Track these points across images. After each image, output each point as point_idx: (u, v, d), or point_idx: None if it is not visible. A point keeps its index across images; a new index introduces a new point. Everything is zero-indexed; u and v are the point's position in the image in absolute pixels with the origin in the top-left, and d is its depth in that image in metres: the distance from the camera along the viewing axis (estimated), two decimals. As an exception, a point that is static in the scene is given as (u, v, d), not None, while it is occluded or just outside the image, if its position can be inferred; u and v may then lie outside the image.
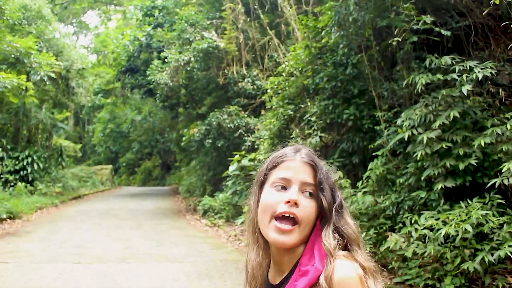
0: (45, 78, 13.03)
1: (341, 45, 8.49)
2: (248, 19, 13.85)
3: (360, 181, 8.02)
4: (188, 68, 13.04)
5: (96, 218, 12.82)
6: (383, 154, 8.20)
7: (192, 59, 12.93)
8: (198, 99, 16.64)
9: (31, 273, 6.79)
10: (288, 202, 1.28)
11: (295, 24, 13.66)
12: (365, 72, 9.31)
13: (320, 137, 9.27)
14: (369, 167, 8.15)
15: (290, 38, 14.12)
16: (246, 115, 12.64)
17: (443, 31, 7.46)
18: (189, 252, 8.40)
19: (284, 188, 1.32)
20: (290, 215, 1.28)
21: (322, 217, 1.33)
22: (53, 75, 13.55)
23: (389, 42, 7.36)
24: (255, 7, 13.62)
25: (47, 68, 12.91)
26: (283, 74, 11.42)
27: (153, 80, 13.72)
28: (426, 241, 6.35)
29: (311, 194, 1.32)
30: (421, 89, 7.20)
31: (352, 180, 8.66)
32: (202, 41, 12.88)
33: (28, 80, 11.42)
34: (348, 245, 1.31)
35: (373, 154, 8.13)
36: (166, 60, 13.62)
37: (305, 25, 10.60)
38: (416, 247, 6.28)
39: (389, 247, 6.71)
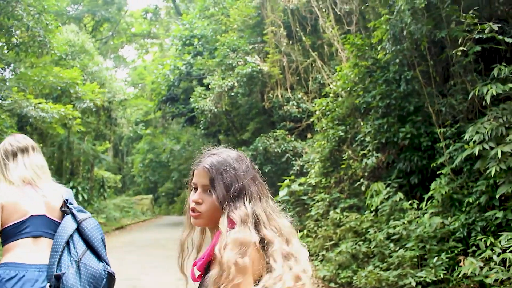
0: (91, 105, 13.16)
1: (397, 60, 8.09)
2: (290, 42, 13.68)
3: (424, 202, 7.53)
4: (232, 94, 12.89)
5: (142, 248, 12.58)
6: (446, 173, 7.72)
7: (236, 84, 12.79)
8: (239, 125, 16.47)
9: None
10: (193, 200, 1.78)
11: (338, 44, 13.41)
12: (419, 88, 8.92)
13: (376, 157, 8.84)
14: (432, 187, 7.65)
15: (333, 59, 13.85)
16: (292, 139, 12.32)
17: (507, 39, 7.03)
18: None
19: (196, 189, 1.79)
20: (194, 210, 1.77)
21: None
22: (99, 101, 13.68)
23: (453, 52, 6.95)
24: (297, 29, 13.44)
25: (92, 96, 13.06)
26: (331, 95, 11.11)
27: (196, 107, 13.64)
28: (507, 265, 5.81)
29: (210, 192, 1.74)
30: (488, 101, 6.75)
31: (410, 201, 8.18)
32: (245, 66, 12.75)
33: (73, 109, 11.56)
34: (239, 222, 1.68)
35: (437, 173, 7.65)
36: (209, 86, 13.54)
37: (352, 43, 10.32)
38: (498, 273, 5.74)
39: (464, 273, 6.19)
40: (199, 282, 1.76)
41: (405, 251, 6.70)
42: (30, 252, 2.62)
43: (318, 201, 9.56)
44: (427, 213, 7.07)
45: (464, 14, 7.35)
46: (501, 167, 6.26)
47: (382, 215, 7.99)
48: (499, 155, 6.18)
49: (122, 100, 16.15)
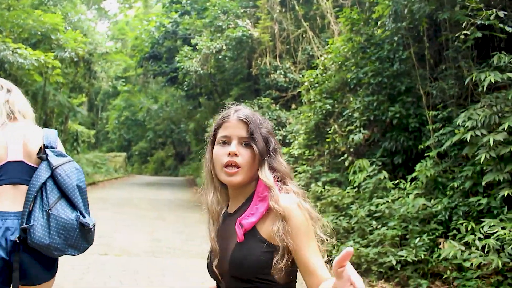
0: (73, 55, 12.59)
1: (395, 38, 7.95)
2: (283, 10, 13.35)
3: (408, 183, 7.55)
4: (220, 57, 12.55)
5: (115, 206, 12.38)
6: (433, 156, 7.73)
7: (224, 47, 12.45)
8: (221, 89, 16.16)
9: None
10: (229, 154, 1.66)
11: (331, 17, 13.18)
12: (412, 69, 8.85)
13: (363, 133, 8.79)
14: (416, 168, 7.68)
15: (324, 31, 13.62)
16: (277, 108, 12.14)
17: (507, 28, 6.95)
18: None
19: (227, 143, 1.69)
20: (232, 163, 1.65)
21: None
22: (81, 51, 13.11)
23: (455, 35, 6.84)
24: (292, -4, 13.13)
25: (74, 45, 12.48)
26: (320, 67, 10.94)
27: (181, 67, 13.25)
28: (486, 250, 5.89)
29: (246, 144, 1.68)
30: (484, 88, 6.70)
31: (393, 181, 8.21)
32: (235, 30, 12.39)
33: (54, 58, 10.97)
34: (283, 178, 1.72)
35: (425, 155, 7.65)
36: (197, 47, 13.15)
37: (347, 17, 10.12)
38: (478, 258, 5.80)
39: (444, 255, 6.27)
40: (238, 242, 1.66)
41: (387, 230, 6.72)
42: (9, 199, 2.45)
43: (300, 173, 9.51)
44: (411, 193, 7.07)
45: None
46: (491, 154, 6.28)
47: (365, 192, 8.00)
48: (491, 142, 6.18)
49: (104, 53, 15.56)
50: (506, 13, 6.67)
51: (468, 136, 6.52)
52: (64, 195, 2.45)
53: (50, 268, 2.52)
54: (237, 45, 12.49)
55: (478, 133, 6.53)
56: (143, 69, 20.44)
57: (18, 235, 2.36)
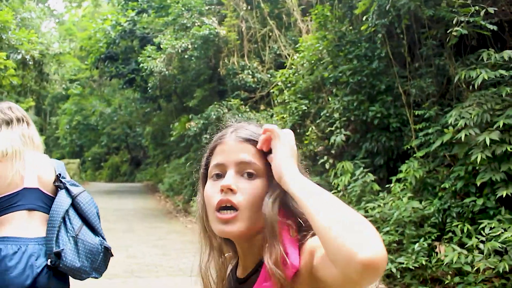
0: (27, 57, 11.57)
1: (379, 35, 7.69)
2: (249, 7, 12.92)
3: (395, 185, 7.29)
4: (186, 56, 11.94)
5: (76, 218, 11.51)
6: (418, 156, 7.53)
7: (190, 46, 11.86)
8: (181, 91, 15.51)
9: None
10: (222, 190, 1.14)
11: (298, 15, 12.88)
12: (391, 67, 8.66)
13: (345, 134, 8.49)
14: (403, 169, 7.45)
15: (290, 30, 13.30)
16: (247, 110, 11.70)
17: (489, 25, 6.82)
18: (202, 263, 7.42)
19: (221, 175, 1.18)
20: (227, 204, 1.13)
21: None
22: (37, 54, 12.10)
23: (447, 32, 6.63)
24: (257, -6, 12.72)
25: (29, 46, 11.47)
26: (293, 66, 10.59)
27: (145, 67, 12.54)
28: (487, 253, 5.69)
29: (251, 175, 1.16)
30: (476, 86, 6.54)
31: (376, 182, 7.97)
32: (202, 28, 11.84)
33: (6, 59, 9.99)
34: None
35: (414, 155, 7.43)
36: (161, 46, 12.48)
37: (321, 14, 9.82)
38: (482, 261, 5.59)
39: (442, 259, 6.04)
40: None
41: (383, 235, 6.40)
42: (27, 225, 2.56)
43: (278, 177, 9.10)
44: (403, 196, 6.80)
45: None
46: (487, 154, 6.11)
47: (352, 196, 7.68)
48: (488, 142, 6.01)
49: (56, 54, 14.53)
50: (496, 9, 6.53)
51: (462, 136, 6.33)
52: (85, 221, 2.63)
53: None
54: (203, 44, 11.94)
55: (471, 132, 6.36)
56: (99, 71, 19.45)
57: (50, 260, 2.46)
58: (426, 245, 6.16)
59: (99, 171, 32.05)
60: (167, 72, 12.31)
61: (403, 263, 6.05)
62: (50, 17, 35.26)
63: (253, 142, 1.19)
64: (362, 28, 7.71)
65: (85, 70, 24.74)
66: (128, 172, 29.62)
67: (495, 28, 6.84)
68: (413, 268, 5.95)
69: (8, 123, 2.75)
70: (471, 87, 7.06)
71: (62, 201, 2.59)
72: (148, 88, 13.57)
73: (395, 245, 6.39)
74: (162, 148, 20.51)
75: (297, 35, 13.07)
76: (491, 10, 6.39)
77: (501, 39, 7.77)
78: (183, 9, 12.48)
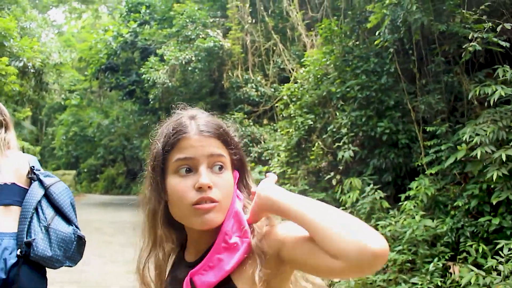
0: (30, 65, 11.37)
1: (391, 50, 7.59)
2: (254, 21, 12.84)
3: (407, 203, 7.10)
4: (190, 68, 11.79)
5: (74, 231, 11.21)
6: (429, 173, 7.38)
7: (194, 58, 11.72)
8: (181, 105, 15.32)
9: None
10: (200, 187, 1.16)
11: (302, 29, 12.82)
12: (400, 83, 8.55)
13: (354, 150, 8.32)
14: (413, 186, 7.28)
15: (295, 44, 13.22)
16: (251, 124, 11.54)
17: (501, 42, 6.74)
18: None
19: (190, 170, 1.19)
20: (207, 201, 1.16)
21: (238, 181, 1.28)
22: (38, 62, 11.91)
23: (464, 47, 6.52)
24: (262, 8, 12.64)
25: (31, 54, 11.28)
26: (299, 81, 10.46)
27: (147, 79, 12.37)
28: (503, 274, 5.51)
29: (221, 168, 1.21)
30: (492, 103, 6.42)
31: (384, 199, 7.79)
32: (206, 40, 11.71)
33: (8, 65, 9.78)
34: None
35: (425, 172, 7.26)
36: (165, 58, 12.34)
37: (327, 28, 9.74)
38: (501, 283, 5.41)
39: (457, 280, 5.85)
40: None
41: (396, 254, 6.20)
42: (3, 220, 2.57)
43: (284, 193, 8.90)
44: (416, 214, 6.62)
45: (463, 11, 6.99)
46: (503, 172, 5.97)
47: (361, 213, 7.49)
48: (504, 158, 5.87)
49: (57, 63, 14.35)
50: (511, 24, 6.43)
51: (478, 153, 6.19)
52: (58, 211, 2.64)
53: (44, 280, 2.63)
54: (207, 56, 11.81)
55: (487, 149, 6.23)
56: (99, 82, 19.27)
57: (20, 250, 2.47)
58: (440, 265, 5.98)
59: (95, 183, 31.66)
60: (170, 84, 12.16)
61: (417, 284, 5.85)
62: (50, 28, 35.19)
63: (217, 135, 1.22)
64: (376, 42, 7.58)
65: (83, 81, 24.60)
66: (123, 185, 29.29)
67: (507, 45, 6.76)
68: (427, 289, 5.75)
69: None
70: (486, 103, 6.97)
71: (34, 192, 2.63)
72: (150, 100, 13.38)
73: (408, 264, 6.19)
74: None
75: (301, 49, 13.00)
76: (508, 26, 6.29)
77: (509, 56, 7.69)
78: (187, 20, 12.38)
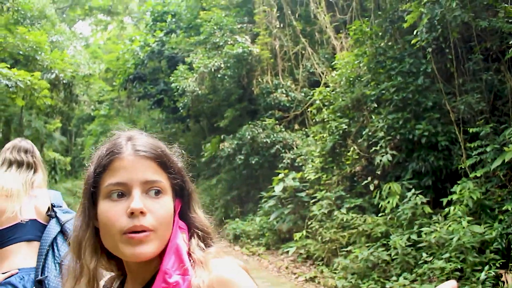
0: (61, 76, 11.47)
1: (429, 49, 7.32)
2: (281, 25, 12.70)
3: (452, 207, 6.81)
4: (219, 75, 11.71)
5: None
6: (473, 176, 7.08)
7: (222, 65, 11.63)
8: (210, 112, 15.24)
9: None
10: (132, 213, 1.04)
11: (331, 32, 12.61)
12: (437, 83, 8.26)
13: (392, 154, 8.07)
14: (457, 190, 6.99)
15: (323, 47, 13.01)
16: (282, 129, 11.37)
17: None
18: (246, 290, 6.99)
19: (123, 194, 1.07)
20: (139, 230, 1.03)
21: (180, 211, 1.16)
22: (70, 73, 12.03)
23: (508, 44, 6.23)
24: (289, 12, 12.49)
25: (62, 66, 11.39)
26: (331, 84, 10.25)
27: (177, 87, 12.34)
28: None
29: (158, 192, 1.09)
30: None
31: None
32: (235, 46, 11.62)
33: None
34: (205, 238, 1.17)
35: (469, 175, 6.97)
36: (194, 66, 12.30)
37: (359, 30, 9.52)
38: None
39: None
40: None
41: (444, 262, 5.92)
42: (26, 256, 2.67)
43: (320, 200, 8.69)
44: (460, 220, 6.32)
45: (506, 5, 6.69)
46: (557, 174, 5.66)
47: (402, 219, 7.23)
48: (558, 160, 5.56)
49: (86, 75, 14.49)
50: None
51: (528, 154, 5.88)
52: None
53: None
54: (236, 63, 11.71)
55: (536, 150, 5.92)
56: (127, 92, 19.40)
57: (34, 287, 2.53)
58: (492, 273, 5.68)
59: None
60: (199, 92, 12.09)
61: (468, 293, 5.58)
62: (77, 40, 35.79)
63: (154, 157, 1.11)
64: (413, 42, 7.33)
65: (111, 92, 24.84)
66: (152, 194, 29.40)
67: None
68: (478, 299, 5.46)
69: (19, 165, 2.98)
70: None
71: (51, 229, 2.69)
72: (180, 108, 13.34)
73: (457, 273, 5.90)
74: (190, 169, 20.26)
75: (330, 52, 12.79)
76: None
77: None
78: (215, 28, 12.31)
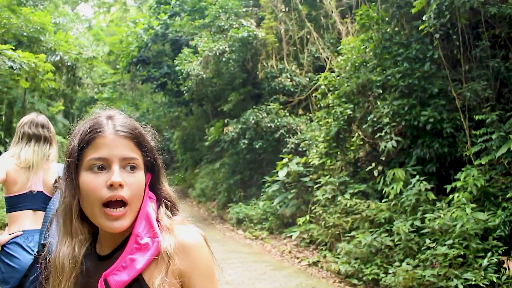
0: (66, 58, 11.42)
1: (436, 35, 7.27)
2: (287, 9, 12.59)
3: (456, 194, 6.82)
4: (224, 59, 11.64)
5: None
6: (478, 163, 7.08)
7: (227, 49, 11.56)
8: (214, 96, 15.17)
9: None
10: (112, 185, 1.19)
11: (337, 17, 12.51)
12: (443, 70, 8.21)
13: (397, 141, 8.06)
14: (461, 177, 7.01)
15: (329, 32, 12.92)
16: (287, 114, 11.33)
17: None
18: (249, 275, 7.02)
19: (103, 168, 1.22)
20: (117, 199, 1.20)
21: (150, 184, 1.32)
22: (74, 54, 11.98)
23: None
24: (294, -5, 12.37)
25: (67, 47, 11.33)
26: (336, 69, 10.20)
27: (181, 71, 12.29)
28: None
29: (133, 168, 1.24)
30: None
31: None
32: (240, 30, 11.54)
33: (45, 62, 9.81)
34: (172, 208, 1.34)
35: (474, 163, 6.97)
36: (198, 49, 12.23)
37: (365, 15, 9.43)
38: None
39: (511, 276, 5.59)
40: None
41: (447, 248, 5.96)
42: (33, 221, 3.12)
43: (324, 185, 8.71)
44: (467, 206, 6.34)
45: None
46: (562, 162, 5.66)
47: (406, 205, 7.25)
48: None
49: (90, 57, 14.41)
50: None
51: (534, 142, 5.88)
52: None
53: None
54: (241, 47, 11.63)
55: (542, 138, 5.92)
56: (130, 75, 19.33)
57: (37, 250, 2.73)
58: (494, 260, 5.72)
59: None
60: (204, 75, 12.04)
61: (470, 280, 5.61)
62: (80, 22, 35.53)
63: (132, 137, 1.25)
64: (420, 27, 7.28)
65: (113, 75, 24.73)
66: (155, 177, 29.49)
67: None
68: (483, 285, 5.50)
69: (37, 139, 3.29)
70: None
71: (55, 200, 2.81)
72: (184, 92, 13.29)
73: (460, 259, 5.94)
74: (192, 152, 20.27)
75: (335, 37, 12.70)
76: None
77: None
78: (220, 11, 12.21)
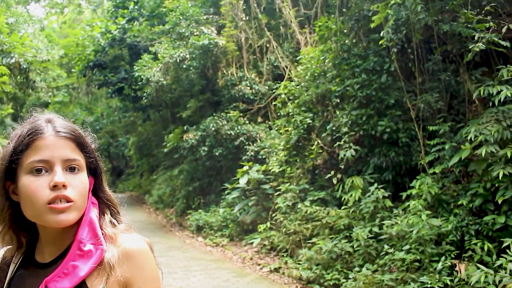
0: (21, 61, 11.03)
1: (394, 50, 7.60)
2: (247, 18, 12.75)
3: (413, 201, 7.13)
4: (184, 66, 11.64)
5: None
6: (431, 172, 7.44)
7: (188, 56, 11.57)
8: (172, 102, 15.10)
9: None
10: (55, 186, 1.18)
11: (296, 27, 12.78)
12: (399, 82, 8.58)
13: (355, 149, 8.33)
14: (416, 185, 7.34)
15: (288, 41, 13.17)
16: (246, 122, 11.46)
17: (502, 42, 6.81)
18: (213, 283, 7.05)
19: (45, 170, 1.20)
20: (62, 199, 1.18)
21: (92, 189, 1.31)
22: (30, 57, 11.59)
23: (470, 48, 6.55)
24: (255, 5, 12.55)
25: (22, 50, 10.95)
26: (296, 79, 10.43)
27: (141, 77, 12.19)
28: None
29: (76, 169, 1.23)
30: (496, 103, 6.49)
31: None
32: (201, 37, 11.58)
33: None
34: (115, 213, 1.35)
35: (429, 171, 7.31)
36: (158, 56, 12.16)
37: (324, 26, 9.71)
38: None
39: (463, 278, 5.91)
40: None
41: (405, 253, 6.23)
42: None
43: (284, 192, 8.87)
44: (422, 213, 6.66)
45: (466, 11, 7.03)
46: (509, 171, 6.04)
47: (364, 212, 7.51)
48: (510, 156, 5.97)
49: (44, 60, 14.02)
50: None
51: (482, 152, 6.26)
52: None
53: None
54: (202, 54, 11.67)
55: (492, 148, 6.31)
56: (87, 79, 18.92)
57: None
58: (448, 263, 6.03)
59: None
60: (164, 82, 11.99)
61: (426, 283, 5.89)
62: (33, 23, 34.39)
63: (73, 138, 1.24)
64: (381, 42, 7.58)
65: (66, 78, 24.11)
66: (109, 182, 28.78)
67: (508, 44, 6.84)
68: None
69: None
70: (486, 103, 7.06)
71: None
72: (144, 97, 13.18)
73: (416, 263, 6.23)
74: (149, 158, 20.06)
75: (294, 47, 12.96)
76: (512, 26, 6.36)
77: (503, 55, 7.78)
78: (180, 17, 12.21)
